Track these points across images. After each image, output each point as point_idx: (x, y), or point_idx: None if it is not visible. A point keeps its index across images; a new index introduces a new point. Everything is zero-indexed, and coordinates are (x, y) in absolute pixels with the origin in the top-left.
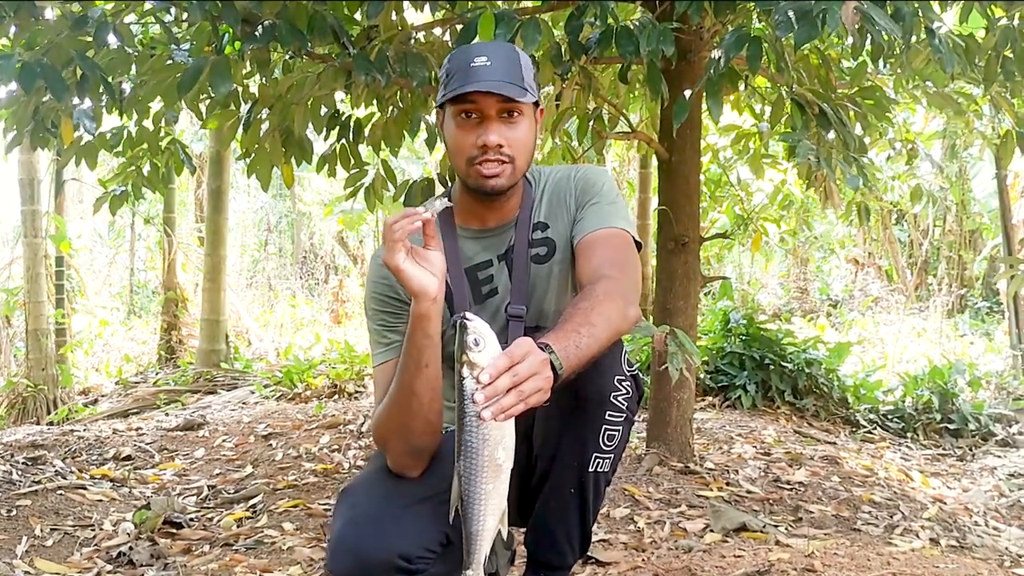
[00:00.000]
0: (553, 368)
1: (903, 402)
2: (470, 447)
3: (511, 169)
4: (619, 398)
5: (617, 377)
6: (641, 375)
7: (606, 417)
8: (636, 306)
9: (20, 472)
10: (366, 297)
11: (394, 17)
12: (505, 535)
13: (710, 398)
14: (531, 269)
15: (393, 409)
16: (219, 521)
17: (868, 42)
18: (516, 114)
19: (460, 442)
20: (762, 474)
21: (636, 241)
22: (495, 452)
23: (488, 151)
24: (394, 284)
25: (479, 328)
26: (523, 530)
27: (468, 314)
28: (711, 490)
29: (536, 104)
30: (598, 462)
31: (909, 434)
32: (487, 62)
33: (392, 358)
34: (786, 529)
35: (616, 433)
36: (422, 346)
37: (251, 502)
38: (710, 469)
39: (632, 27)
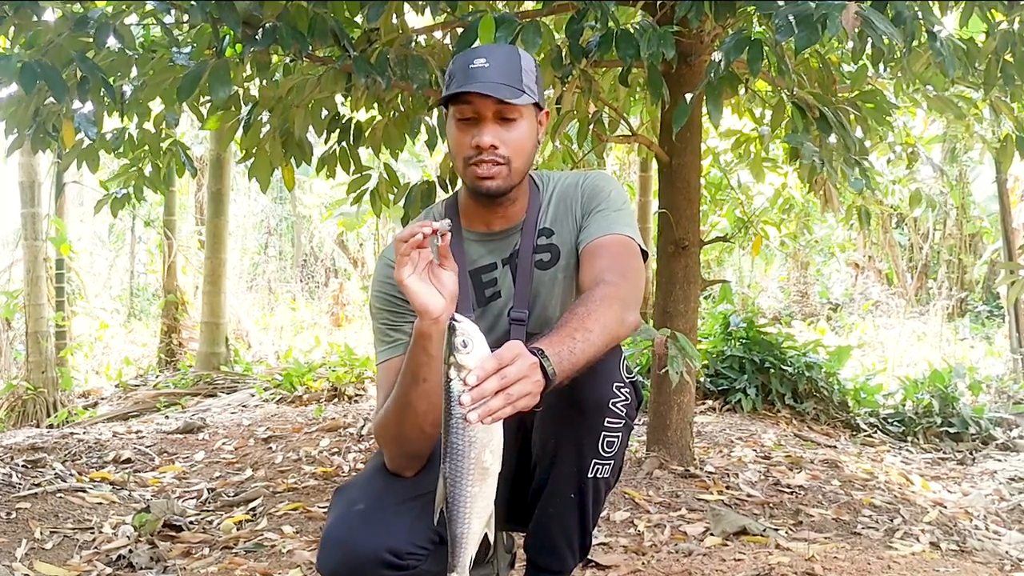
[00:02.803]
0: (546, 373)
1: (903, 406)
2: (456, 449)
3: (507, 171)
4: (618, 405)
5: (616, 384)
6: (641, 380)
7: (605, 424)
8: (635, 312)
9: (20, 475)
10: (371, 295)
11: (395, 20)
12: (492, 538)
13: (710, 402)
14: (535, 275)
15: (390, 416)
16: (219, 524)
17: (868, 46)
18: (513, 116)
19: (446, 444)
20: (762, 478)
21: (642, 249)
22: (482, 455)
23: (482, 152)
24: None
25: (467, 330)
26: (523, 534)
27: (457, 315)
28: (711, 494)
29: (538, 106)
30: (597, 468)
31: (909, 438)
32: (485, 64)
33: (393, 356)
34: (786, 533)
35: (615, 440)
36: (421, 363)
37: (251, 505)
38: (710, 473)
39: (632, 30)
